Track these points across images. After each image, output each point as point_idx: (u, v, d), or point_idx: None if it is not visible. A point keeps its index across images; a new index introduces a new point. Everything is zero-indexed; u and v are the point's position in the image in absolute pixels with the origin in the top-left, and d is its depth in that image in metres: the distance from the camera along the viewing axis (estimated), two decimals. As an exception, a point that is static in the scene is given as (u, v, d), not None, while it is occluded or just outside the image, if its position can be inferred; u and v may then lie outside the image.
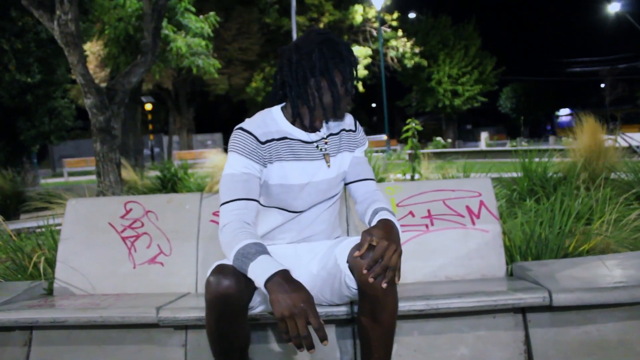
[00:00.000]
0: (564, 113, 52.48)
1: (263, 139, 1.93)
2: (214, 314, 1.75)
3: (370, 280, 1.70)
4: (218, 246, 2.60)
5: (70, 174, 23.26)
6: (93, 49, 15.01)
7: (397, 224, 1.88)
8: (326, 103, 1.97)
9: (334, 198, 2.12)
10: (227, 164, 1.90)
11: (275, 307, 1.59)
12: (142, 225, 2.73)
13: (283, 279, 1.61)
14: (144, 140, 19.04)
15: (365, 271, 1.71)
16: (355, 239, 1.87)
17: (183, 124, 29.86)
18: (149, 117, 28.35)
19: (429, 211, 2.65)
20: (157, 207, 2.77)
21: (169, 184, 8.88)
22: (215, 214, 2.70)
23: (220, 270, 1.74)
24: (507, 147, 19.48)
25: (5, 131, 13.00)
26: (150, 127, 29.37)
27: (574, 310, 2.22)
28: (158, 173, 9.51)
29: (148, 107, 26.00)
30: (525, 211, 3.96)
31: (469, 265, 2.57)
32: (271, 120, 2.00)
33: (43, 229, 4.14)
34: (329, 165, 2.04)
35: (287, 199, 2.00)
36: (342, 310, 2.08)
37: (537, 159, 5.63)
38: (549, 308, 2.16)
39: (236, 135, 1.92)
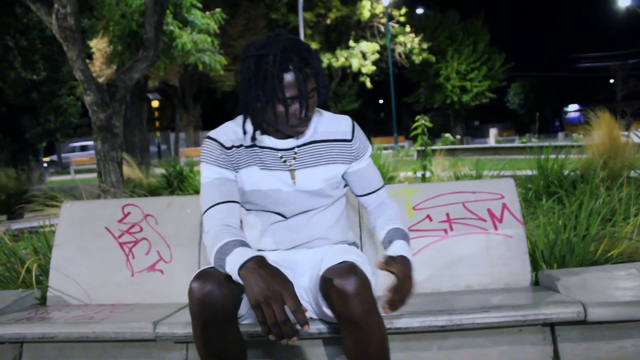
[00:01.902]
0: (572, 109, 52.06)
1: (228, 145, 1.83)
2: (199, 323, 1.60)
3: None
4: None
5: (77, 172, 23.17)
6: (99, 45, 14.91)
7: (411, 256, 1.81)
8: (270, 119, 1.74)
9: (332, 202, 1.93)
10: (201, 175, 1.83)
11: (249, 294, 1.48)
12: (141, 230, 2.56)
13: (257, 264, 1.52)
14: (150, 138, 18.94)
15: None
16: (341, 250, 1.80)
17: (190, 121, 29.72)
18: (156, 114, 28.27)
19: (447, 215, 2.46)
20: (156, 211, 2.60)
21: (175, 182, 8.75)
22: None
23: (202, 275, 1.61)
24: (518, 144, 19.26)
25: (11, 129, 12.91)
26: (157, 124, 29.30)
27: (608, 324, 2.04)
28: (164, 171, 9.37)
29: (155, 104, 25.94)
30: (544, 212, 3.77)
31: (491, 273, 2.39)
32: (240, 127, 1.85)
33: (45, 229, 4.00)
34: (294, 182, 1.83)
35: (267, 204, 1.86)
36: (328, 327, 1.88)
37: (552, 156, 5.44)
38: (581, 322, 1.98)
39: (203, 145, 1.85)
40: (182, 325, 1.97)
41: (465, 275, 2.39)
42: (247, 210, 1.92)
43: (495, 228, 2.44)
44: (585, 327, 2.07)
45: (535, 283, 2.41)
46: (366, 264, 1.77)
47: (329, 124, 1.89)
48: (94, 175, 5.61)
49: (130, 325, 2.00)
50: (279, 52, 1.65)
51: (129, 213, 2.61)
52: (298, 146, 1.85)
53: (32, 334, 2.03)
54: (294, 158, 1.84)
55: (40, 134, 13.11)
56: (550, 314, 1.92)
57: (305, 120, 1.74)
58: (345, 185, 1.99)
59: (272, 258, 1.87)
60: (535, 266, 2.61)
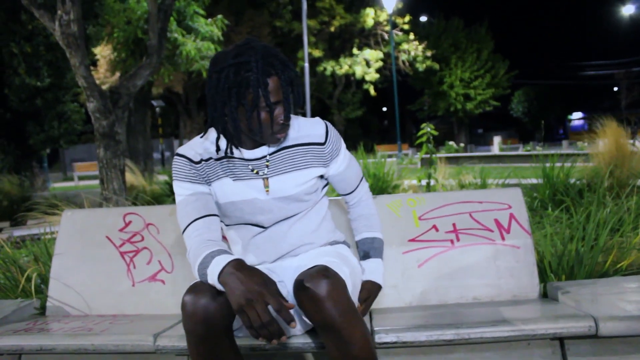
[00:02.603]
0: (576, 117, 51.99)
1: (196, 159, 1.80)
2: (193, 338, 1.56)
3: None
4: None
5: (81, 178, 23.17)
6: (104, 52, 14.92)
7: (382, 277, 2.00)
8: (254, 127, 1.69)
9: (306, 210, 1.89)
10: (175, 195, 1.81)
11: (230, 299, 1.46)
12: (142, 239, 2.52)
13: (234, 268, 1.52)
14: (153, 144, 18.95)
15: None
16: (320, 252, 1.80)
17: (193, 128, 29.70)
18: (159, 120, 28.30)
19: (454, 225, 2.42)
20: (158, 220, 2.56)
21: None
22: (221, 227, 2.49)
23: (195, 288, 1.57)
24: (522, 152, 19.19)
25: (15, 135, 12.92)
26: (161, 130, 29.33)
27: (620, 339, 1.99)
28: (167, 178, 9.34)
29: (158, 110, 26.00)
30: (551, 222, 3.72)
31: (499, 284, 2.34)
32: (209, 140, 1.82)
33: (46, 237, 3.96)
34: (267, 191, 1.79)
35: (244, 215, 1.82)
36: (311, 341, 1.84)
37: (558, 164, 5.39)
38: (592, 336, 1.93)
39: (173, 163, 1.82)
40: (183, 337, 1.92)
41: (473, 286, 2.34)
42: (227, 225, 1.88)
43: (503, 239, 2.40)
44: (596, 342, 2.02)
45: (544, 295, 2.37)
46: (344, 264, 1.73)
47: (301, 129, 1.86)
48: (98, 181, 5.62)
49: (130, 337, 1.95)
50: (260, 58, 1.63)
51: (130, 222, 2.57)
52: (270, 154, 1.81)
53: (30, 346, 1.99)
54: (267, 166, 1.80)
55: (44, 140, 13.12)
56: (560, 328, 1.87)
57: (286, 125, 1.71)
58: (325, 186, 1.98)
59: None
60: (542, 277, 2.57)
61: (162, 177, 10.40)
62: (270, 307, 1.47)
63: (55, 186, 19.00)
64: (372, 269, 1.98)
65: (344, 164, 1.95)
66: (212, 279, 1.54)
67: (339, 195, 2.13)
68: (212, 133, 1.82)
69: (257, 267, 1.83)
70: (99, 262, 2.50)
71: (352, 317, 1.55)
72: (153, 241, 2.51)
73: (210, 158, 1.80)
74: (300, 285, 1.55)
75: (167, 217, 2.56)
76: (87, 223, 2.60)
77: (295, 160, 1.83)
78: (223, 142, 1.79)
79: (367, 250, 2.01)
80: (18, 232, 6.50)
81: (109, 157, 4.31)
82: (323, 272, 1.55)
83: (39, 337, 2.01)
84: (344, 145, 1.95)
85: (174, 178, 1.80)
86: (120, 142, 4.36)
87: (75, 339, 1.97)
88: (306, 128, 1.86)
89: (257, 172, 1.80)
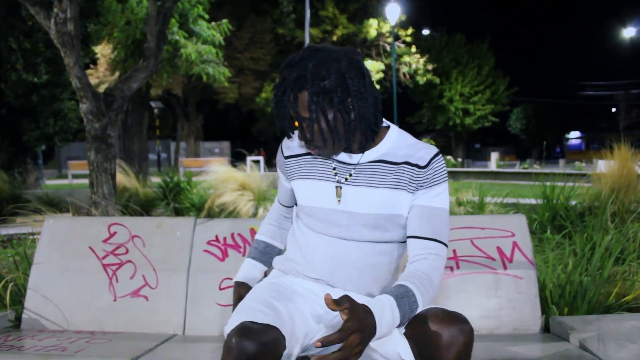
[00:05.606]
0: (574, 136, 52.16)
1: (287, 153, 1.75)
2: None
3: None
4: (211, 280, 2.29)
5: (75, 176, 22.96)
6: (104, 51, 14.83)
7: (386, 320, 1.39)
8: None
9: (389, 245, 1.64)
10: None
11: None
12: (127, 251, 2.40)
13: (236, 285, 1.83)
14: (149, 146, 18.80)
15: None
16: None
17: (191, 131, 29.62)
18: (157, 122, 28.18)
19: (454, 252, 2.31)
20: (144, 232, 2.43)
21: (171, 194, 8.56)
22: (210, 243, 2.37)
23: (244, 331, 1.38)
24: (520, 169, 19.13)
25: (9, 131, 12.77)
26: (158, 132, 29.19)
27: (627, 381, 1.87)
28: (160, 181, 9.19)
29: (156, 112, 25.89)
30: (552, 246, 3.62)
31: (499, 316, 2.23)
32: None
33: (28, 238, 3.84)
34: (338, 200, 1.60)
35: (310, 222, 1.66)
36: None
37: (560, 183, 5.27)
38: (598, 378, 1.81)
39: None
40: (163, 363, 1.81)
41: (471, 317, 2.16)
42: (298, 216, 1.74)
43: (505, 268, 2.29)
44: (601, 383, 1.90)
45: (546, 329, 2.26)
46: None
47: (406, 148, 1.64)
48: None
49: (106, 361, 1.83)
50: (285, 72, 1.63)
51: (115, 233, 2.44)
52: (360, 163, 1.63)
53: (-2, 365, 1.86)
54: (346, 179, 1.62)
55: (38, 137, 12.98)
56: (566, 370, 1.75)
57: (310, 144, 1.58)
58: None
59: (306, 288, 1.65)
60: (544, 308, 2.45)
61: (157, 180, 10.25)
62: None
63: (49, 184, 18.79)
64: (377, 301, 1.42)
65: (434, 201, 1.61)
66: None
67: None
68: None
69: (301, 279, 1.67)
70: (80, 274, 2.37)
71: None
72: (138, 254, 2.39)
73: (300, 154, 1.71)
74: (442, 323, 1.43)
75: (153, 230, 2.43)
76: (69, 232, 2.48)
77: (385, 176, 1.61)
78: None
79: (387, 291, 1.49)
80: (5, 231, 6.34)
81: (100, 160, 4.18)
82: (465, 319, 1.47)
83: (8, 355, 1.88)
84: (446, 186, 1.63)
85: None
86: (112, 145, 4.24)
87: (47, 359, 1.84)
88: (412, 149, 1.63)
89: (336, 174, 1.63)
